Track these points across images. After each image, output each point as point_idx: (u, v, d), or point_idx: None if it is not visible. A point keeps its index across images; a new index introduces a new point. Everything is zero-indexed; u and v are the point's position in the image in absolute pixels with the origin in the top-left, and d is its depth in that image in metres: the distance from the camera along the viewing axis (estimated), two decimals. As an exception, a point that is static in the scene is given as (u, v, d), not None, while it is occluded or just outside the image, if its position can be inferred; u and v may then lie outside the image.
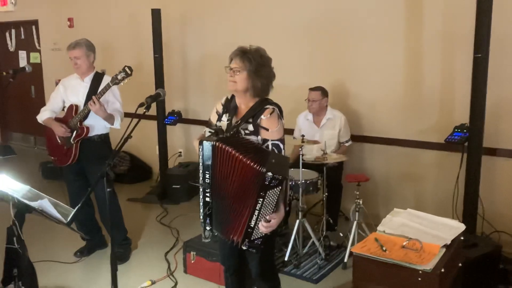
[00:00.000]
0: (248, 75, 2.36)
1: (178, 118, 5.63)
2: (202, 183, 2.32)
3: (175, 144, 6.05)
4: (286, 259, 3.80)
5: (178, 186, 5.43)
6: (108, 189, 2.34)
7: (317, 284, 3.57)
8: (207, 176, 2.29)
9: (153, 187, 5.77)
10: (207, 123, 2.60)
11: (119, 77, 3.52)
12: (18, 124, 8.53)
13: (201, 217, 2.37)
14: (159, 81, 5.36)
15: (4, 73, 3.56)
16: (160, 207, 5.28)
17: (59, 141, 3.88)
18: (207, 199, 2.33)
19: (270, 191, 2.15)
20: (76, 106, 3.82)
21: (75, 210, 2.45)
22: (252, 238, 2.24)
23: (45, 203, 2.40)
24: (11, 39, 8.08)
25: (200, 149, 2.28)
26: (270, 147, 2.36)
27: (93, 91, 3.76)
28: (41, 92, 7.72)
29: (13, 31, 8.01)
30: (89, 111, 3.69)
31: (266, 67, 2.41)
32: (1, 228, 2.69)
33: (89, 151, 3.82)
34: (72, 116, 3.80)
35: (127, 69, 3.51)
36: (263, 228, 2.22)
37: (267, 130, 2.36)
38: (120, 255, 3.93)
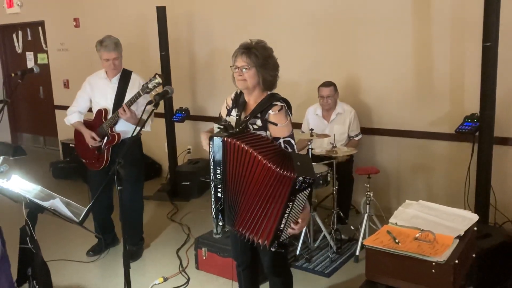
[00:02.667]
0: (257, 70, 2.36)
1: (186, 115, 5.63)
2: (214, 179, 2.31)
3: (184, 141, 6.05)
4: (297, 253, 3.80)
5: (188, 183, 5.45)
6: (119, 187, 2.34)
7: (330, 278, 3.57)
8: (218, 171, 2.29)
9: (163, 184, 5.79)
10: (216, 119, 2.60)
11: (150, 85, 3.36)
12: (28, 125, 8.59)
13: (213, 212, 2.37)
14: (166, 78, 5.36)
15: (13, 75, 3.55)
16: (170, 204, 5.29)
17: (90, 145, 3.82)
18: (219, 194, 2.33)
19: (300, 194, 2.15)
20: (105, 111, 3.75)
21: (86, 209, 2.46)
22: (281, 240, 2.24)
23: (57, 203, 2.41)
24: (18, 40, 8.13)
25: (211, 145, 2.28)
26: (282, 145, 2.36)
27: (121, 93, 3.70)
28: (50, 93, 7.76)
29: (20, 32, 8.05)
30: (119, 118, 3.62)
31: (271, 58, 2.41)
32: (14, 228, 2.72)
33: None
34: (102, 121, 3.74)
35: (158, 77, 3.35)
36: (293, 229, 2.24)
37: (276, 125, 2.36)
38: (133, 253, 3.94)
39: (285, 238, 2.25)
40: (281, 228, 2.20)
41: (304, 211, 2.25)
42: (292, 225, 2.22)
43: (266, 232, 2.23)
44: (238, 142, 2.20)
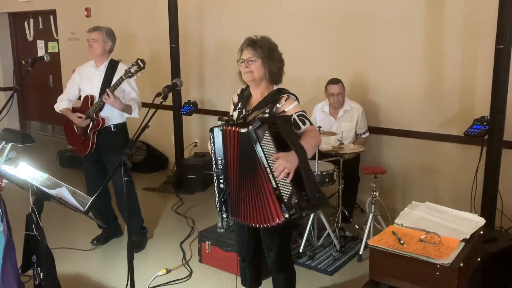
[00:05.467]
0: (263, 61, 2.38)
1: (194, 108, 5.63)
2: (215, 170, 2.32)
3: (191, 134, 6.06)
4: (300, 250, 3.79)
5: (193, 176, 5.46)
6: (125, 178, 2.34)
7: (332, 276, 3.56)
8: (220, 162, 2.30)
9: (169, 177, 5.80)
10: (224, 113, 2.61)
11: (132, 70, 3.51)
12: (37, 113, 8.64)
13: (217, 204, 2.38)
14: (176, 71, 5.37)
15: (23, 62, 3.59)
16: (175, 196, 5.31)
17: (77, 131, 3.91)
18: (221, 185, 2.34)
19: (262, 143, 2.15)
20: (92, 97, 3.83)
21: (92, 198, 2.47)
22: (286, 200, 2.16)
23: (63, 191, 2.42)
24: (29, 28, 8.16)
25: (211, 136, 2.29)
26: (297, 119, 2.36)
27: (108, 80, 3.76)
28: (59, 82, 7.79)
29: (31, 20, 8.09)
30: (104, 103, 3.70)
31: (277, 51, 2.44)
32: (20, 215, 2.73)
33: (106, 140, 3.84)
34: (88, 107, 3.81)
35: (140, 62, 3.49)
36: (280, 173, 2.13)
37: (285, 112, 2.38)
38: (137, 244, 3.96)
39: (287, 195, 2.16)
40: (275, 187, 2.16)
41: (282, 152, 2.16)
42: (280, 174, 2.14)
43: (272, 207, 2.19)
44: (236, 129, 2.22)
